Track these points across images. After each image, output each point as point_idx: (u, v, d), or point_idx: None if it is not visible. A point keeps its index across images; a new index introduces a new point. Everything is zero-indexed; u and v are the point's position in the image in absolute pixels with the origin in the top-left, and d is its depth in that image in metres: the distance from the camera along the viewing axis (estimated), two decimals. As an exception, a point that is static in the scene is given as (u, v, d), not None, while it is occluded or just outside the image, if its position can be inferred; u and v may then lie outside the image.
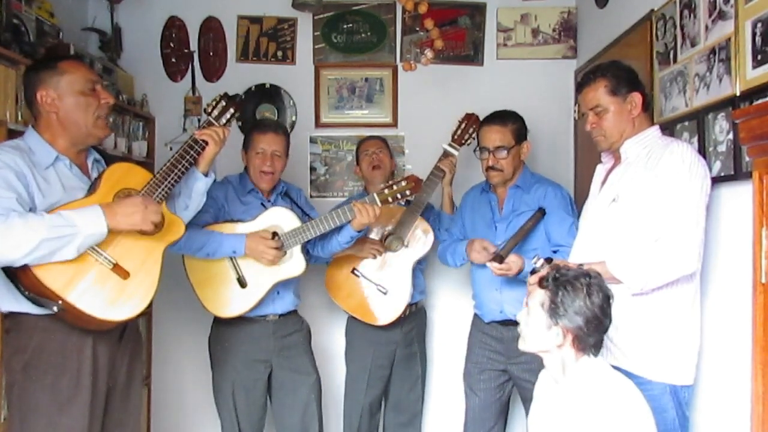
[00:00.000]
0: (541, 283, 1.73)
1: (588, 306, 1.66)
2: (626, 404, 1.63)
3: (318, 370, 2.78)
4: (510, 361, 2.59)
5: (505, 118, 2.64)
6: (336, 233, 2.60)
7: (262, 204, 2.68)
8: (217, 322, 2.72)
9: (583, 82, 2.13)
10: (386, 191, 2.49)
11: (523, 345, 1.80)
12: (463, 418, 2.77)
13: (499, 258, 2.37)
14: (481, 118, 2.84)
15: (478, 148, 2.67)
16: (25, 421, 1.89)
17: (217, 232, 2.52)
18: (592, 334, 1.68)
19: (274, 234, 2.53)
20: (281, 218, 2.56)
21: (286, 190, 2.80)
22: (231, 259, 2.54)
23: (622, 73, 2.07)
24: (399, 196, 2.49)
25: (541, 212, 2.52)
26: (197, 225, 2.46)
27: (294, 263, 2.55)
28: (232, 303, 2.55)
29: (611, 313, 1.70)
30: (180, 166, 2.11)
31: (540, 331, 1.72)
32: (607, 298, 1.69)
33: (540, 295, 1.72)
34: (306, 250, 2.66)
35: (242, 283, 2.54)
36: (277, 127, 2.77)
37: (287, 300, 2.69)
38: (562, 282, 1.69)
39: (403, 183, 2.49)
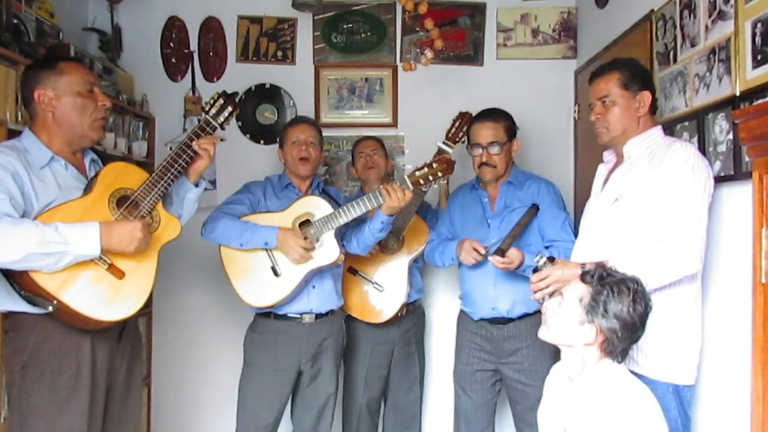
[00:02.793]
0: (584, 278, 1.70)
1: (630, 312, 1.62)
2: (642, 414, 1.60)
3: (338, 382, 2.76)
4: (500, 361, 2.59)
5: (497, 115, 2.66)
6: (368, 222, 2.58)
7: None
8: (254, 322, 2.72)
9: (597, 72, 2.12)
10: (417, 173, 2.42)
11: (545, 333, 1.77)
12: (453, 420, 2.75)
13: (500, 252, 2.36)
14: (474, 117, 2.85)
15: (469, 145, 2.67)
16: (25, 421, 1.89)
17: (252, 223, 2.55)
18: (623, 341, 1.65)
19: (306, 221, 2.54)
20: (314, 206, 2.57)
21: (323, 188, 2.83)
22: (266, 249, 2.54)
23: (636, 70, 2.08)
24: (431, 177, 2.41)
25: (536, 208, 2.54)
26: (234, 216, 2.55)
27: (327, 250, 2.52)
28: (267, 292, 2.54)
29: (646, 324, 1.67)
30: (176, 166, 2.11)
31: (570, 324, 1.68)
32: (648, 308, 1.66)
33: (580, 290, 1.68)
34: (342, 245, 2.66)
35: (276, 272, 2.53)
36: (309, 120, 2.87)
37: (324, 296, 2.65)
38: (610, 282, 1.65)
39: (435, 165, 2.41)
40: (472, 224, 2.68)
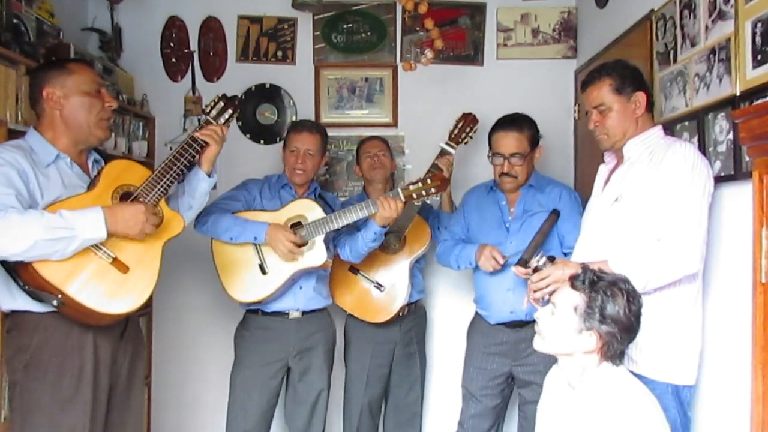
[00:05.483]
0: (574, 283, 1.67)
1: (626, 313, 1.60)
2: (645, 418, 1.58)
3: (330, 378, 2.80)
4: (516, 363, 2.57)
5: (521, 124, 2.58)
6: (361, 231, 2.61)
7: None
8: (243, 319, 2.78)
9: (587, 81, 2.12)
10: (411, 187, 2.45)
11: (541, 345, 1.74)
12: (458, 419, 2.73)
13: (523, 262, 2.30)
14: (480, 119, 2.83)
15: (491, 153, 2.61)
16: (27, 420, 1.90)
17: (243, 218, 2.60)
18: (622, 343, 1.63)
19: (298, 224, 2.57)
20: (306, 209, 2.61)
21: (320, 193, 2.86)
22: (255, 245, 2.59)
23: (627, 72, 2.07)
24: (424, 193, 2.43)
25: (556, 214, 2.49)
26: (227, 212, 2.61)
27: (315, 253, 2.56)
28: (252, 288, 2.60)
29: (641, 322, 1.66)
30: (178, 164, 2.12)
31: (567, 334, 1.66)
32: (641, 306, 1.65)
33: (573, 298, 1.65)
34: (333, 245, 2.71)
35: (263, 270, 2.58)
36: (312, 127, 2.85)
37: (310, 295, 2.70)
38: (602, 286, 1.63)
39: (429, 181, 2.44)
40: (490, 227, 2.63)
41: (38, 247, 1.75)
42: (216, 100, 2.30)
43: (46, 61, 2.43)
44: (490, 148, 2.63)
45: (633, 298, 1.64)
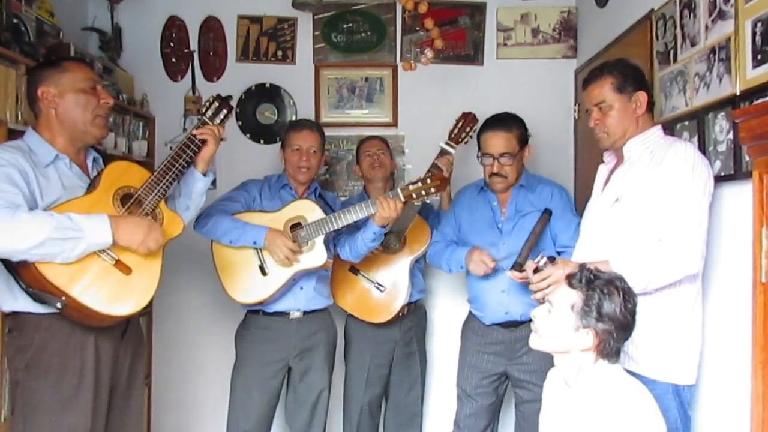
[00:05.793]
0: (571, 282, 1.68)
1: (622, 311, 1.61)
2: (641, 415, 1.59)
3: (331, 378, 2.80)
4: (511, 363, 2.57)
5: (509, 123, 2.57)
6: (361, 231, 2.61)
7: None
8: (244, 320, 2.79)
9: (589, 78, 2.12)
10: (410, 187, 2.44)
11: (538, 343, 1.75)
12: (454, 419, 2.73)
13: (518, 266, 2.30)
14: (480, 118, 2.82)
15: (480, 154, 2.62)
16: (29, 419, 1.90)
17: (243, 221, 2.60)
18: (619, 341, 1.64)
19: (297, 224, 2.57)
20: (305, 209, 2.62)
21: (320, 193, 2.87)
22: (255, 247, 2.59)
23: (628, 71, 2.07)
24: (423, 193, 2.43)
25: (548, 213, 2.48)
26: (227, 213, 2.61)
27: (315, 254, 2.56)
28: (252, 290, 2.60)
29: (636, 320, 1.67)
30: (177, 165, 2.13)
31: (564, 332, 1.66)
32: (636, 304, 1.66)
33: (570, 296, 1.66)
34: (333, 245, 2.72)
35: (263, 271, 2.58)
36: (312, 125, 2.86)
37: (311, 296, 2.71)
38: (599, 285, 1.63)
39: (429, 181, 2.43)
40: (482, 228, 2.62)
41: (46, 246, 1.75)
42: (211, 101, 2.31)
43: (42, 60, 2.43)
44: (479, 148, 2.63)
45: (629, 296, 1.65)
